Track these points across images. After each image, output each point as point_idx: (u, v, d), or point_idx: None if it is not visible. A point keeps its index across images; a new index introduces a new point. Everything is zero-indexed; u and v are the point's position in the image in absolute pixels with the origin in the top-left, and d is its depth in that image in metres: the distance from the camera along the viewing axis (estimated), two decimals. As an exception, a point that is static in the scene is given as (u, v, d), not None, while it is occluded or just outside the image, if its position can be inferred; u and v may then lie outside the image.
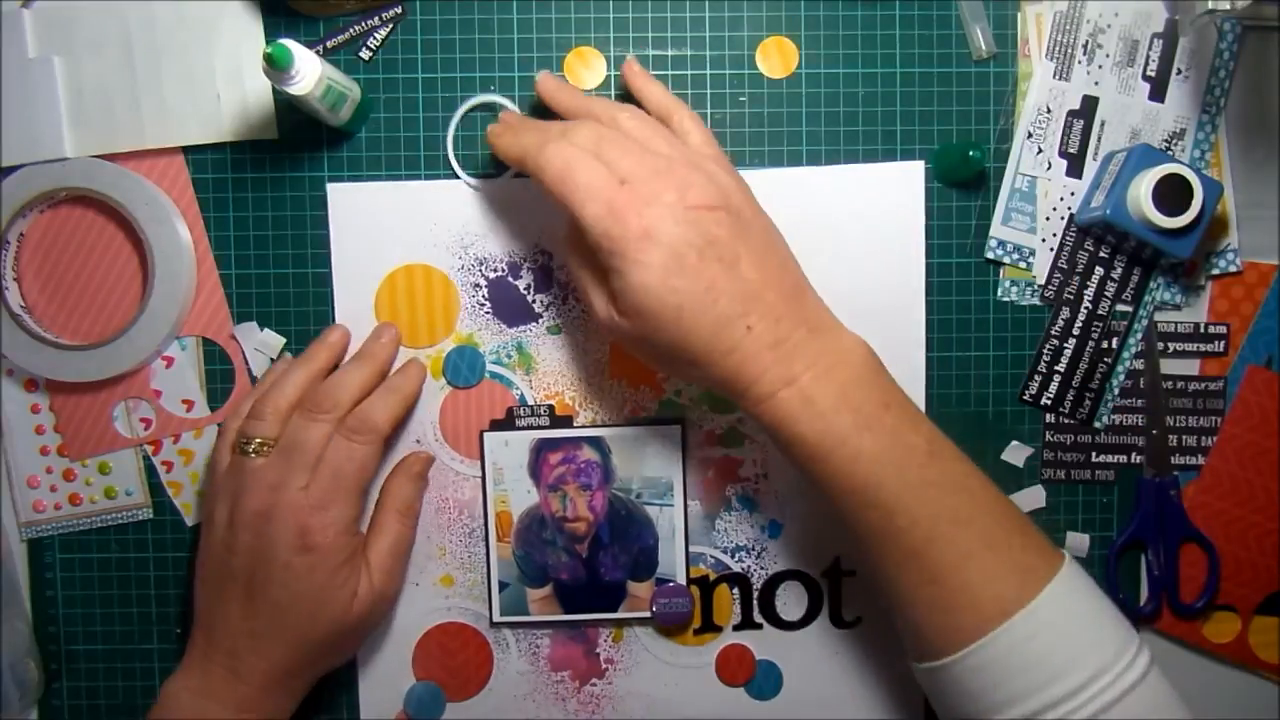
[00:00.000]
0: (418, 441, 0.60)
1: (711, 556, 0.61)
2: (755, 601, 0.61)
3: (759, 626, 0.61)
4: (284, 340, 0.60)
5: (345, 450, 0.54)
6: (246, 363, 0.60)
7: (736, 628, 0.61)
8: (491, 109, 0.59)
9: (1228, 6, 0.53)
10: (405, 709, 0.61)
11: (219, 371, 0.60)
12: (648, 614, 0.60)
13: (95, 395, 0.60)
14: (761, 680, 0.61)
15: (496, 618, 0.61)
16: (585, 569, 0.60)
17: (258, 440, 0.54)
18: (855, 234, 0.59)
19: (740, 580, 0.61)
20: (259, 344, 0.60)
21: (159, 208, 0.58)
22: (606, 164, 0.48)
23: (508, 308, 0.60)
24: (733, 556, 0.61)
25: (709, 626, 0.61)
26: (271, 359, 0.60)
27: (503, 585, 0.60)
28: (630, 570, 0.60)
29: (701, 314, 0.47)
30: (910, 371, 0.60)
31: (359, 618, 0.55)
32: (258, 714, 0.53)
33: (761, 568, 0.61)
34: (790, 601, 0.61)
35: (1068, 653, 0.45)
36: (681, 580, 0.60)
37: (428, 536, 0.60)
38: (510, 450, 0.60)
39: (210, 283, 0.60)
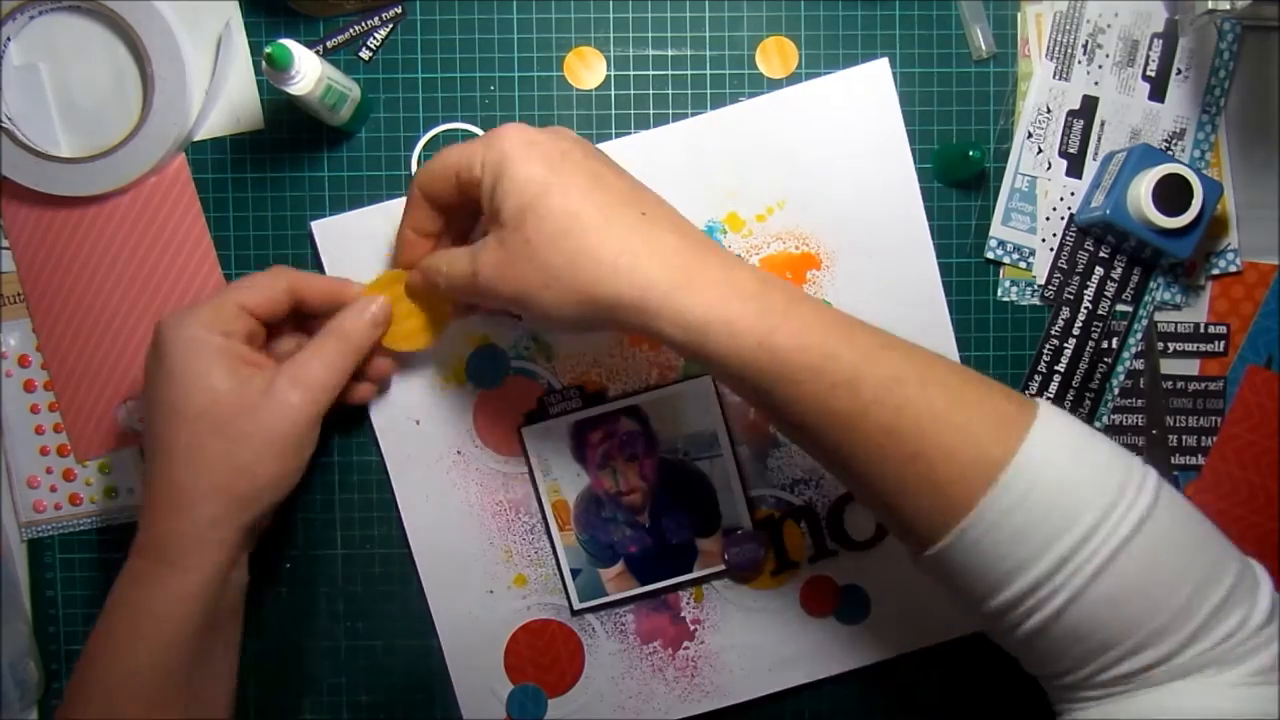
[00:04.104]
0: (459, 452, 0.60)
1: (771, 496, 0.61)
2: (825, 530, 0.61)
3: (834, 554, 0.61)
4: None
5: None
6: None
7: (812, 560, 0.61)
8: (455, 135, 0.59)
9: (1228, 6, 0.53)
10: (509, 715, 0.61)
11: (219, 371, 0.60)
12: (722, 567, 0.60)
13: (100, 394, 0.60)
14: (848, 605, 0.61)
15: (577, 606, 0.61)
16: (651, 538, 0.61)
17: None
18: (835, 149, 0.59)
19: (805, 512, 0.61)
20: None
21: (157, 17, 0.57)
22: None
23: None
24: (792, 491, 0.61)
25: (785, 565, 0.61)
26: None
27: (575, 572, 0.61)
28: (695, 528, 0.60)
29: (594, 197, 0.45)
30: (928, 302, 0.60)
31: (257, 423, 0.49)
32: (194, 578, 0.49)
33: (823, 495, 0.61)
34: (859, 522, 0.61)
35: (1069, 500, 0.41)
36: (748, 526, 0.60)
37: (490, 542, 0.60)
38: (550, 439, 0.60)
39: (213, 280, 0.60)
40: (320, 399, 0.51)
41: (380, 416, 0.60)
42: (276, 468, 0.50)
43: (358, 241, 0.59)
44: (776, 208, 0.60)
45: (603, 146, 0.59)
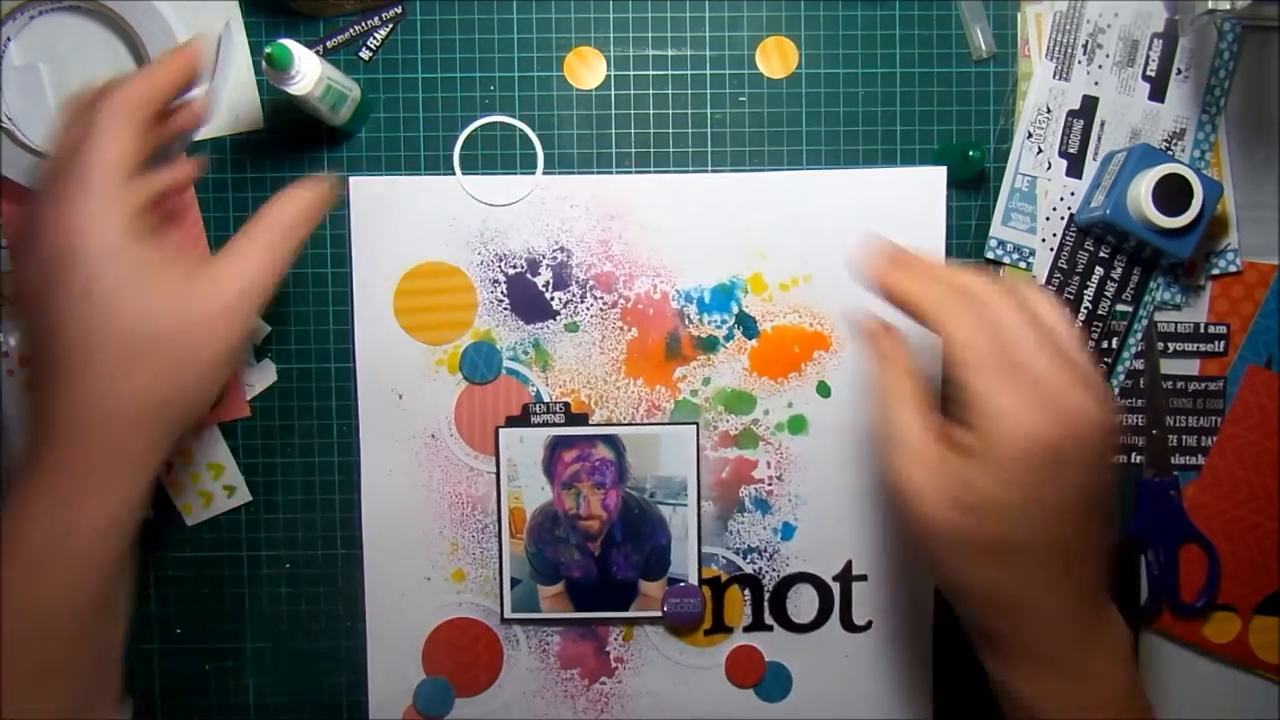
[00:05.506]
0: (433, 436, 0.60)
1: (723, 557, 0.61)
2: (766, 603, 0.61)
3: (769, 628, 0.61)
4: (268, 329, 0.60)
5: (82, 128, 0.44)
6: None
7: (747, 629, 0.61)
8: (494, 127, 0.59)
9: (1228, 6, 0.53)
10: (414, 704, 0.61)
11: (219, 371, 0.60)
12: (659, 614, 0.60)
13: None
14: (771, 682, 0.61)
15: (508, 614, 0.61)
16: (597, 567, 0.60)
17: None
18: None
19: (752, 582, 0.61)
20: None
21: (157, 17, 0.57)
22: (1014, 359, 0.43)
23: (526, 304, 0.60)
24: (745, 558, 0.61)
25: (719, 627, 0.61)
26: (254, 344, 0.60)
27: (514, 582, 0.61)
28: (642, 569, 0.60)
29: (1022, 550, 0.44)
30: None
31: (201, 338, 0.44)
32: (101, 500, 0.44)
33: (773, 570, 0.61)
34: (801, 604, 0.61)
35: None
36: (693, 580, 0.60)
37: (440, 531, 0.60)
38: (525, 447, 0.60)
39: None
40: (259, 300, 0.46)
41: (365, 381, 0.60)
42: (216, 381, 0.46)
43: (389, 206, 0.59)
44: (802, 280, 0.60)
45: (648, 178, 0.59)
